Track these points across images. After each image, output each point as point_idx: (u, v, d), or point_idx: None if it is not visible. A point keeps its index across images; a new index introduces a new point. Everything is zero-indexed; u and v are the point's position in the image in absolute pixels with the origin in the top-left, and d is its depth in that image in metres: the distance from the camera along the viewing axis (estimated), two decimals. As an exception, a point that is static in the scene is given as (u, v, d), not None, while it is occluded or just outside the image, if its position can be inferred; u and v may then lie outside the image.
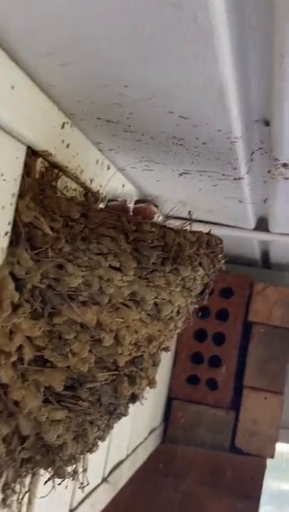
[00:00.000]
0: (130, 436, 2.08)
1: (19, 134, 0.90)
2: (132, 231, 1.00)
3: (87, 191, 1.25)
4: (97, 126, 1.10)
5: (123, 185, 1.48)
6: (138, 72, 0.83)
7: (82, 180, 1.18)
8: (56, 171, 1.09)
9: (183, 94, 0.88)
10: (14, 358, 0.96)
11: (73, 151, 1.11)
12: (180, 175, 1.39)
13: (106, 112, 1.01)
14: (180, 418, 2.74)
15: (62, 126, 1.04)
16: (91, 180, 1.24)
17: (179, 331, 1.18)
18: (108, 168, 1.34)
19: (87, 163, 1.19)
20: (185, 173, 1.36)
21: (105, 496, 1.83)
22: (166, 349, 1.17)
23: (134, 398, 1.11)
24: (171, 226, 1.05)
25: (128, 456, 2.11)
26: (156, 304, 1.06)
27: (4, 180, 0.90)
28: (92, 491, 1.70)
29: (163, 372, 2.49)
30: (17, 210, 0.95)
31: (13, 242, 0.95)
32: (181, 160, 1.25)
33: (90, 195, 1.24)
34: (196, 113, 0.95)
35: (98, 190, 1.28)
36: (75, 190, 1.21)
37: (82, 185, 1.21)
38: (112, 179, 1.34)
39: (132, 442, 2.13)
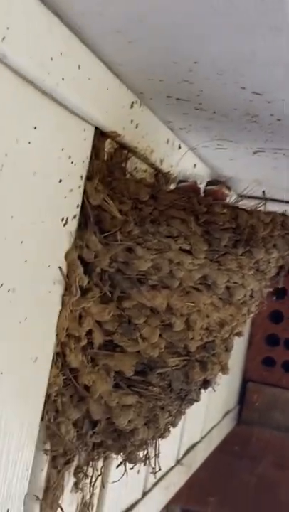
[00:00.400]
0: (204, 418, 2.06)
1: (87, 114, 0.88)
2: (203, 213, 0.97)
3: (157, 172, 1.23)
4: (168, 104, 1.06)
5: (195, 165, 1.45)
6: (208, 48, 0.79)
7: (152, 160, 1.15)
8: (125, 152, 1.07)
9: (256, 69, 0.84)
10: (84, 343, 0.96)
11: (142, 131, 1.08)
12: (254, 153, 1.34)
13: (176, 90, 0.98)
14: (255, 401, 2.70)
15: (131, 106, 1.02)
16: (161, 161, 1.21)
17: (252, 315, 1.15)
18: (179, 148, 1.31)
19: (157, 143, 1.16)
20: (259, 151, 1.32)
21: (179, 478, 1.83)
22: (239, 334, 1.14)
23: (206, 384, 1.09)
24: (244, 207, 1.01)
25: (202, 438, 2.10)
26: (228, 288, 1.03)
27: (72, 162, 0.88)
28: (166, 473, 1.69)
29: (238, 354, 2.46)
30: (85, 193, 0.93)
31: (82, 225, 0.94)
32: (255, 138, 1.20)
33: (160, 176, 1.22)
34: (270, 88, 0.91)
35: (169, 171, 1.25)
36: (145, 171, 1.18)
37: (152, 166, 1.18)
38: (184, 159, 1.31)
39: (207, 424, 2.12)
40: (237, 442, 2.68)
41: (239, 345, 2.41)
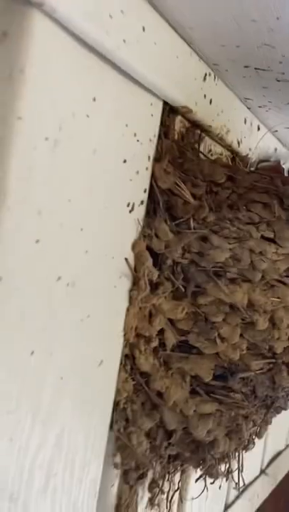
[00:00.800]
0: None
1: (154, 86, 0.78)
2: None
3: (234, 156, 1.11)
4: (245, 77, 0.95)
5: (276, 149, 1.32)
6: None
7: (228, 142, 1.04)
8: (198, 131, 0.96)
9: None
10: (155, 344, 0.86)
11: (217, 108, 0.97)
12: None
13: (254, 57, 0.86)
14: None
15: (204, 79, 0.91)
16: (238, 143, 1.09)
17: None
18: (258, 129, 1.19)
19: (233, 123, 1.05)
20: None
21: (264, 489, 1.70)
22: None
23: (294, 390, 0.97)
24: None
25: (288, 446, 1.96)
26: None
27: (138, 141, 0.78)
28: (250, 484, 1.57)
29: None
30: (153, 176, 0.83)
31: (150, 212, 0.84)
32: None
33: (237, 160, 1.10)
34: None
35: (247, 154, 1.14)
36: (221, 154, 1.07)
37: (229, 148, 1.07)
38: (263, 141, 1.19)
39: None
40: None
41: None
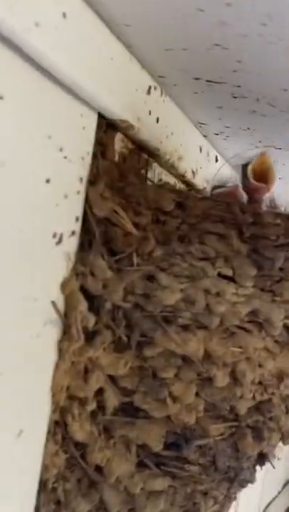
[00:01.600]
0: (262, 490, 1.75)
1: (81, 89, 0.64)
2: (249, 224, 0.72)
3: (189, 189, 0.99)
4: (197, 93, 0.83)
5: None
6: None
7: (180, 171, 0.91)
8: (145, 155, 0.83)
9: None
10: (92, 407, 0.70)
11: (166, 130, 0.84)
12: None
13: (204, 65, 0.74)
14: None
15: (149, 92, 0.78)
16: (194, 173, 0.97)
17: None
18: (216, 160, 1.06)
19: (187, 149, 0.92)
20: None
21: None
22: (304, 389, 0.87)
23: (262, 458, 0.81)
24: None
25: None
26: (286, 327, 0.77)
27: (65, 157, 0.65)
28: None
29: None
30: (88, 202, 0.69)
31: (84, 245, 0.70)
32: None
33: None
34: None
35: (204, 188, 1.01)
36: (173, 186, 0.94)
37: (182, 178, 0.94)
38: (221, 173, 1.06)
39: (264, 499, 1.80)
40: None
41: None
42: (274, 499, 1.94)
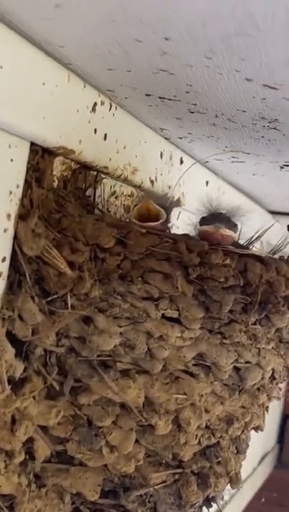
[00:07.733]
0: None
1: (9, 121, 0.57)
2: (196, 264, 0.66)
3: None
4: (151, 106, 0.75)
5: (207, 183, 1.13)
6: (178, 6, 0.47)
7: (136, 182, 0.84)
8: (94, 173, 0.76)
9: (265, 40, 0.51)
10: (20, 459, 0.65)
11: (117, 145, 0.77)
12: (281, 168, 1.02)
13: (154, 85, 0.66)
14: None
15: (94, 109, 0.71)
16: (152, 182, 0.90)
17: (276, 400, 0.82)
18: (181, 162, 0.99)
19: (143, 160, 0.85)
20: (287, 165, 1.00)
21: None
22: (257, 428, 0.82)
23: (208, 502, 0.77)
24: (258, 253, 0.70)
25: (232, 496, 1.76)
26: (237, 370, 0.71)
27: (-11, 194, 0.58)
28: None
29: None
30: (17, 239, 0.63)
31: (13, 286, 0.64)
32: (279, 149, 0.88)
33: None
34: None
35: (166, 194, 0.94)
36: (131, 195, 0.87)
37: (139, 187, 0.87)
38: (190, 174, 0.98)
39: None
40: (276, 489, 2.34)
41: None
42: (250, 475, 1.92)
